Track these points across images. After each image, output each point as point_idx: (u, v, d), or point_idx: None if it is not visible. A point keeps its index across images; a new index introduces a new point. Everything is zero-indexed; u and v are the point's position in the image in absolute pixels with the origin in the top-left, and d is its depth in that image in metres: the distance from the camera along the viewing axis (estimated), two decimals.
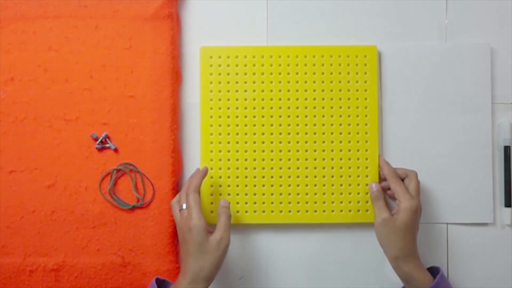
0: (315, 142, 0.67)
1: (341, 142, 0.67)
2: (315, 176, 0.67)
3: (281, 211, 0.67)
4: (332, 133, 0.67)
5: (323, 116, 0.67)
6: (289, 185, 0.67)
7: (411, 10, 0.70)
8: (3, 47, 0.67)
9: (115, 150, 0.66)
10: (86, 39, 0.67)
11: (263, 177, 0.67)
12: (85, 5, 0.67)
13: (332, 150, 0.67)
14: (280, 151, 0.67)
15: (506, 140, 0.69)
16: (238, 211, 0.67)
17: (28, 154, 0.66)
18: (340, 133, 0.67)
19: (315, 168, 0.67)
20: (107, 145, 0.66)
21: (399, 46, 0.70)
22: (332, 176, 0.67)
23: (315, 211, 0.67)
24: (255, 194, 0.67)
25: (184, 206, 0.60)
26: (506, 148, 0.69)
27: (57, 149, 0.66)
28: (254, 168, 0.67)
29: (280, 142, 0.67)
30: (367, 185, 0.67)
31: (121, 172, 0.67)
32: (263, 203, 0.67)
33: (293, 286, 0.69)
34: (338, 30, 0.70)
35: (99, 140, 0.66)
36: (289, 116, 0.67)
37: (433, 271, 0.63)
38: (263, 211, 0.67)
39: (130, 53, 0.67)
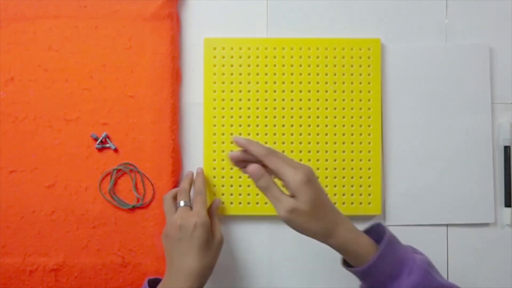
0: (318, 134, 0.67)
1: (344, 134, 0.67)
2: (318, 169, 0.67)
3: None
4: (335, 126, 0.67)
5: (326, 109, 0.67)
6: None
7: (411, 10, 0.70)
8: (3, 47, 0.67)
9: (115, 150, 0.66)
10: (86, 39, 0.67)
11: None
12: (85, 5, 0.67)
13: (335, 143, 0.67)
14: (283, 143, 0.67)
15: (506, 140, 0.69)
16: (240, 203, 0.67)
17: (28, 154, 0.66)
18: (343, 126, 0.67)
19: (317, 160, 0.67)
20: (107, 145, 0.66)
21: (399, 46, 0.70)
22: (335, 169, 0.67)
23: None
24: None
25: (182, 203, 0.61)
26: (506, 148, 0.69)
27: (57, 149, 0.66)
28: None
29: (283, 134, 0.67)
30: (369, 178, 0.67)
31: (121, 172, 0.67)
32: None
33: (294, 286, 0.69)
34: (340, 24, 0.70)
35: (99, 140, 0.66)
36: (292, 109, 0.67)
37: (377, 231, 0.55)
38: (266, 203, 0.67)
39: (130, 53, 0.67)
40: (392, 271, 0.52)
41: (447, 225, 0.69)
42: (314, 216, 0.51)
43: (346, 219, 0.54)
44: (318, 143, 0.67)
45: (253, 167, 0.52)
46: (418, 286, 0.51)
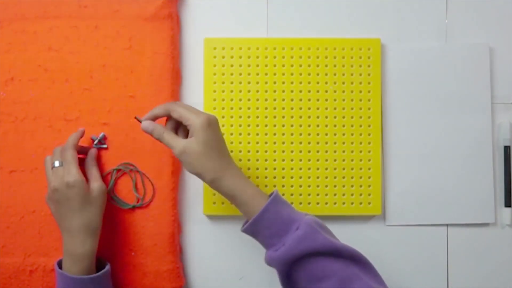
0: (318, 134, 0.68)
1: (344, 134, 0.68)
2: (318, 169, 0.68)
3: None
4: (335, 126, 0.68)
5: (327, 109, 0.68)
6: (292, 177, 0.67)
7: (411, 10, 0.70)
8: (3, 47, 0.67)
9: (106, 148, 0.66)
10: (86, 39, 0.67)
11: (266, 169, 0.67)
12: (85, 5, 0.67)
13: (335, 143, 0.68)
14: (283, 143, 0.68)
15: (506, 140, 0.69)
16: None
17: (28, 154, 0.66)
18: (343, 126, 0.68)
19: (317, 160, 0.68)
20: (104, 146, 0.66)
21: (399, 46, 0.70)
22: (335, 169, 0.68)
23: (317, 204, 0.67)
24: (258, 186, 0.66)
25: (57, 163, 0.60)
26: (506, 148, 0.69)
27: None
28: (257, 160, 0.67)
29: (283, 134, 0.68)
30: (369, 178, 0.67)
31: (121, 172, 0.67)
32: None
33: None
34: (340, 24, 0.70)
35: (97, 140, 0.66)
36: (292, 109, 0.68)
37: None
38: None
39: (130, 53, 0.67)
40: (280, 228, 0.54)
41: (447, 225, 0.69)
42: (204, 156, 0.55)
43: (237, 169, 0.57)
44: (318, 143, 0.68)
45: (143, 125, 0.58)
46: (302, 238, 0.53)
